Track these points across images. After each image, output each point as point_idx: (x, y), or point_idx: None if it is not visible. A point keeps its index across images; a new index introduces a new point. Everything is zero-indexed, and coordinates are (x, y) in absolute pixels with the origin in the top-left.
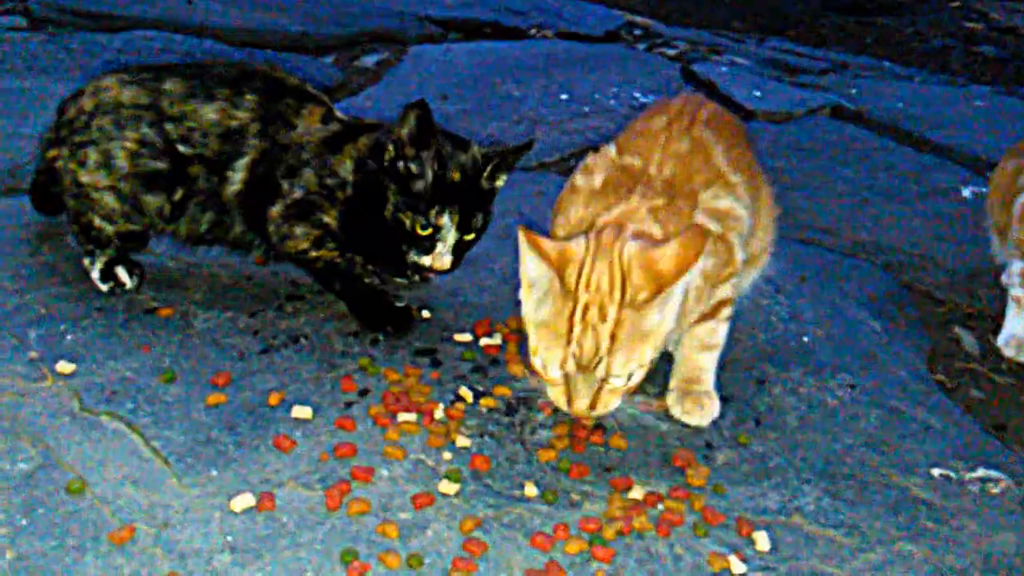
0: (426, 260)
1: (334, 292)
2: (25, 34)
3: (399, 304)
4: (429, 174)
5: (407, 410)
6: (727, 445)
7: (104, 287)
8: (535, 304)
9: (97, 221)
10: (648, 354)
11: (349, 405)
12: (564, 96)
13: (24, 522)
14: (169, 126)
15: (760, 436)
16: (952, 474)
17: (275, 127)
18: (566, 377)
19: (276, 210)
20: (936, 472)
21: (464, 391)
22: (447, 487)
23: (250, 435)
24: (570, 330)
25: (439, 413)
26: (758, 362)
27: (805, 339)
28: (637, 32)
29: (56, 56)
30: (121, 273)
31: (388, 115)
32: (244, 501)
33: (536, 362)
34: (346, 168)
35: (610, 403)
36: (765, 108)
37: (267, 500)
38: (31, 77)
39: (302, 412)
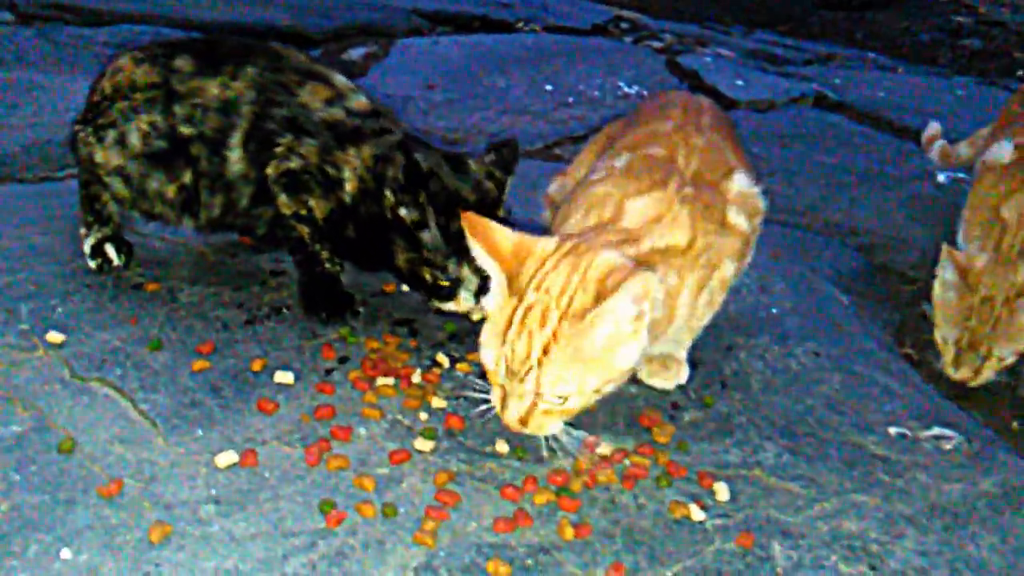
0: (451, 306)
1: (293, 260)
2: (12, 28)
3: (347, 291)
4: (432, 223)
5: (385, 375)
6: (693, 406)
7: (92, 264)
8: (491, 293)
9: (104, 197)
10: (590, 382)
11: (330, 371)
12: (549, 87)
13: (17, 478)
14: (176, 107)
15: (725, 397)
16: (908, 432)
17: (272, 93)
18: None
19: (270, 171)
20: (893, 431)
21: (441, 357)
22: (422, 444)
23: (234, 398)
24: (507, 330)
25: (416, 377)
26: (727, 330)
27: (774, 310)
28: (625, 26)
29: (43, 49)
30: (110, 250)
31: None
32: (228, 457)
33: (481, 355)
34: (347, 174)
35: (544, 424)
36: (748, 97)
37: (250, 456)
38: (19, 70)
39: (284, 377)
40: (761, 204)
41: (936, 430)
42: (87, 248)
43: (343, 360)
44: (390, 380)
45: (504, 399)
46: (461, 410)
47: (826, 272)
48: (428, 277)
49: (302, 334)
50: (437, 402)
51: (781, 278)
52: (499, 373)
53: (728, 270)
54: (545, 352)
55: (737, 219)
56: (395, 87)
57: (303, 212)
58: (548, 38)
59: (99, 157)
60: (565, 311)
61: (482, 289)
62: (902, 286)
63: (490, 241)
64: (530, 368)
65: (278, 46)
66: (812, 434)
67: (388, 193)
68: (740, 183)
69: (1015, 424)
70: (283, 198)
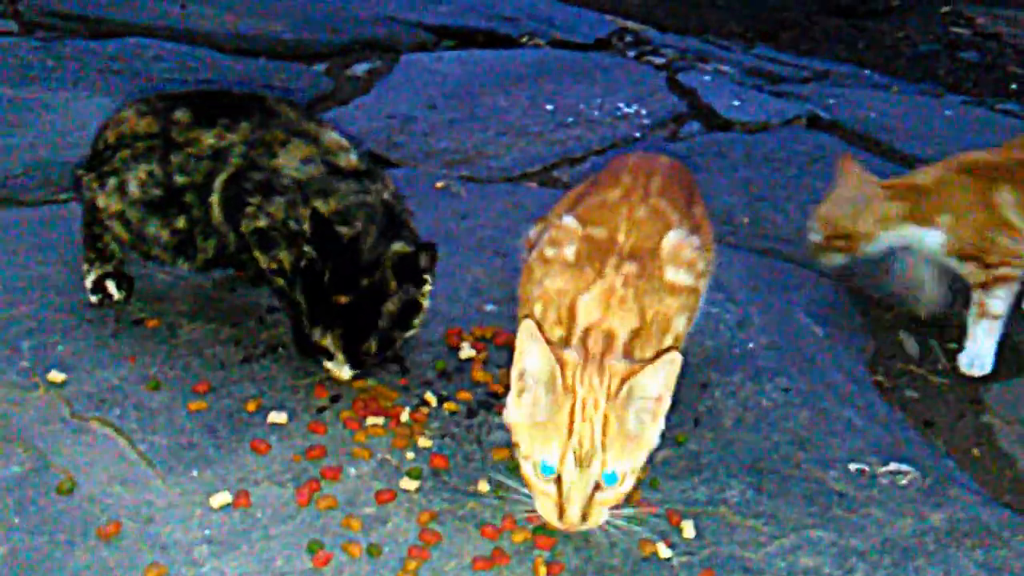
0: (328, 365)
1: (283, 308)
2: (16, 40)
3: None
4: (311, 286)
5: (375, 414)
6: (665, 444)
7: (94, 299)
8: (531, 402)
9: (106, 237)
10: (640, 457)
11: (321, 411)
12: (549, 107)
13: (16, 520)
14: (173, 156)
15: (697, 436)
16: (866, 468)
17: (257, 152)
18: (559, 485)
19: (243, 228)
20: (852, 466)
21: (429, 396)
22: (408, 484)
23: (229, 439)
24: (571, 423)
25: (404, 416)
26: (703, 367)
27: (750, 345)
28: (628, 39)
29: (47, 63)
30: (110, 286)
31: (378, 124)
32: (222, 498)
33: (527, 468)
34: (307, 226)
35: (601, 514)
36: (742, 118)
37: (243, 497)
38: (22, 85)
39: (278, 417)
40: (694, 252)
41: (893, 465)
42: (88, 283)
43: (335, 399)
44: (379, 420)
45: (561, 502)
46: (446, 449)
47: (803, 304)
48: (306, 332)
49: (296, 372)
50: (423, 441)
51: (759, 312)
52: (562, 470)
53: (679, 326)
54: (604, 433)
55: (676, 276)
56: (397, 106)
57: (274, 267)
58: (551, 54)
59: (100, 202)
60: (608, 394)
61: (352, 366)
62: (879, 313)
63: (548, 343)
64: (594, 453)
65: (274, 101)
66: (776, 471)
67: (307, 247)
68: (670, 239)
69: (975, 450)
70: (257, 253)
